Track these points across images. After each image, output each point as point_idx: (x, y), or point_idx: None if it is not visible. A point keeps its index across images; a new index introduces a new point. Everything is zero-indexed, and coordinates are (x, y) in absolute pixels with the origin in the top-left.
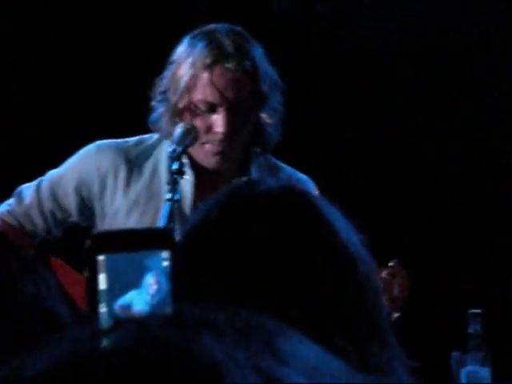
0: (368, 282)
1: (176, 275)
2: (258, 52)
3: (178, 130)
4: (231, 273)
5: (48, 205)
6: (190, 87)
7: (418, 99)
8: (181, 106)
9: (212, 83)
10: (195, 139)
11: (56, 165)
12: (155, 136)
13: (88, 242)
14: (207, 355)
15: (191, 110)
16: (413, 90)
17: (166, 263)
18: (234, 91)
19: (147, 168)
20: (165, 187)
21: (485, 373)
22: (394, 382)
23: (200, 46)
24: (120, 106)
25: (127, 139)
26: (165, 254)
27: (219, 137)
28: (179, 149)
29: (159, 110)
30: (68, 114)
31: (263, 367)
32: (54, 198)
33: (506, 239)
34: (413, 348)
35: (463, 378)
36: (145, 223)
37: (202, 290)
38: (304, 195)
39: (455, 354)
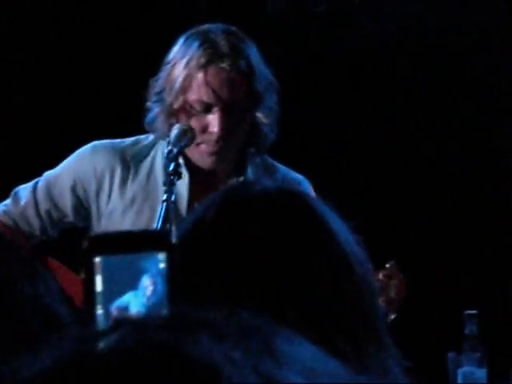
0: (364, 283)
1: (172, 277)
2: (252, 51)
3: (175, 130)
4: (227, 274)
5: (44, 205)
6: (184, 87)
7: (418, 99)
8: (176, 106)
9: (207, 83)
10: (192, 140)
11: (56, 165)
12: (151, 136)
13: (84, 244)
14: (205, 356)
15: (186, 110)
16: (413, 89)
17: (162, 265)
18: (229, 91)
19: (143, 168)
20: (161, 187)
21: (481, 373)
22: (391, 383)
23: (194, 46)
24: (119, 106)
25: (123, 139)
26: (161, 256)
27: (214, 137)
28: (175, 150)
29: (155, 111)
30: (68, 114)
31: (262, 368)
32: (51, 198)
33: (502, 240)
34: (409, 349)
35: (459, 378)
36: (140, 223)
37: (197, 291)
38: (300, 196)
39: (451, 355)
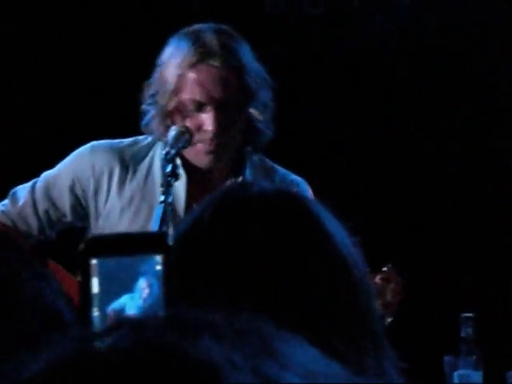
0: (361, 285)
1: (169, 278)
2: (244, 49)
3: (172, 132)
4: (225, 275)
5: (42, 205)
6: (177, 88)
7: (418, 99)
8: (170, 107)
9: (199, 82)
10: (189, 142)
11: (55, 165)
12: (150, 137)
13: (81, 246)
14: (204, 357)
15: (180, 110)
16: (413, 90)
17: (159, 267)
18: (222, 89)
19: (142, 169)
20: (158, 188)
21: (477, 376)
22: None
23: (185, 45)
24: (119, 107)
25: (122, 140)
26: (158, 258)
27: (209, 135)
28: (173, 151)
29: (150, 113)
30: (68, 114)
31: (261, 370)
32: (49, 197)
33: (500, 242)
34: (406, 351)
35: (456, 381)
36: (138, 224)
37: (195, 293)
38: (297, 197)
39: (448, 358)
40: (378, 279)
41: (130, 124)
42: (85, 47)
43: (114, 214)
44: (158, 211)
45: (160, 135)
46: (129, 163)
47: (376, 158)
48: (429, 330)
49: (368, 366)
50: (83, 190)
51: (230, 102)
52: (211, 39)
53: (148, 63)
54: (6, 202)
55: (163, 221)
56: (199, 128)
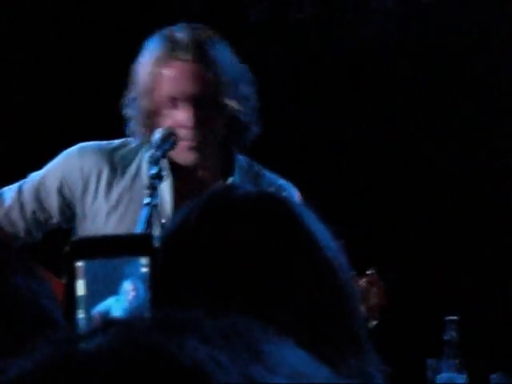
0: (346, 288)
1: (155, 280)
2: (217, 43)
3: (157, 134)
4: (210, 277)
5: (30, 206)
6: (153, 86)
7: (418, 99)
8: (149, 107)
9: (172, 78)
10: (175, 143)
11: None
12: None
13: (67, 248)
14: (191, 358)
15: (159, 109)
16: (413, 90)
17: (144, 269)
18: (195, 83)
19: (130, 171)
20: (146, 191)
21: (460, 379)
22: None
23: (157, 43)
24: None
25: (111, 141)
26: (144, 260)
27: (189, 132)
28: (158, 153)
29: (132, 117)
30: (67, 114)
31: (249, 372)
32: (36, 198)
33: (485, 246)
34: (389, 354)
35: None
36: (124, 226)
37: (181, 295)
38: (282, 201)
39: (431, 361)
40: (362, 283)
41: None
42: (85, 47)
43: (101, 216)
44: (143, 213)
45: (144, 138)
46: (117, 165)
47: (375, 158)
48: (412, 332)
49: (351, 369)
50: (71, 192)
51: (205, 96)
52: (182, 35)
53: None
54: None
55: (148, 223)
56: (179, 125)
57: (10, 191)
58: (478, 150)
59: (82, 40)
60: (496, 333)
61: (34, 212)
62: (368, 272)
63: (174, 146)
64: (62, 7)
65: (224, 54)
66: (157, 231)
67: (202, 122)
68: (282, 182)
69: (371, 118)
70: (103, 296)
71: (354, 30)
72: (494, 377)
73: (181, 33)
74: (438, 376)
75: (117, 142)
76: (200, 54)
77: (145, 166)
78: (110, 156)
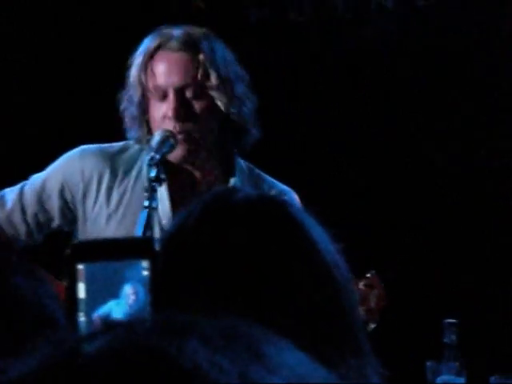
0: (344, 291)
1: (155, 283)
2: (212, 41)
3: (156, 137)
4: (209, 279)
5: (31, 208)
6: (143, 78)
7: (418, 99)
8: (140, 99)
9: (158, 67)
10: (173, 146)
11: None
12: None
13: (67, 251)
14: (191, 361)
15: (148, 101)
16: (413, 90)
17: (145, 272)
18: (180, 72)
19: (131, 174)
20: (146, 194)
21: (460, 382)
22: None
23: (149, 39)
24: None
25: (112, 144)
26: (144, 263)
27: (172, 122)
28: (157, 156)
29: (129, 116)
30: (67, 114)
31: (248, 373)
32: (38, 201)
33: (484, 249)
34: (388, 357)
35: None
36: (124, 229)
37: (180, 297)
38: (281, 204)
39: (430, 364)
40: (361, 285)
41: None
42: (85, 47)
43: (102, 219)
44: (143, 216)
45: (140, 136)
46: (119, 168)
47: (375, 159)
48: (412, 335)
49: (350, 370)
50: (72, 194)
51: (192, 88)
52: (175, 30)
53: None
54: None
55: (147, 226)
56: (164, 117)
57: (12, 193)
58: (478, 150)
59: (82, 40)
60: (495, 335)
61: (35, 214)
62: (368, 274)
63: (172, 149)
64: (62, 7)
65: (218, 52)
66: (156, 234)
67: (186, 114)
68: (282, 187)
69: (371, 119)
70: (104, 299)
71: (354, 31)
72: (493, 379)
73: (174, 28)
74: (438, 378)
75: (118, 144)
76: (189, 46)
77: (145, 169)
78: (112, 159)
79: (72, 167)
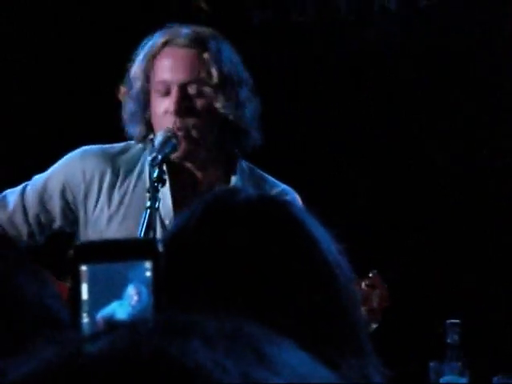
0: (346, 291)
1: (159, 284)
2: (219, 42)
3: (159, 138)
4: (210, 280)
5: (33, 210)
6: (147, 73)
7: (421, 100)
8: (143, 95)
9: (164, 62)
10: (176, 147)
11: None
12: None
13: (71, 252)
14: (193, 361)
15: (152, 97)
16: (415, 90)
17: (148, 273)
18: (185, 67)
19: (132, 174)
20: (147, 194)
21: (463, 382)
22: None
23: (155, 36)
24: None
25: (113, 145)
26: (148, 264)
27: (172, 118)
28: (159, 156)
29: (129, 111)
30: (67, 114)
31: (252, 375)
32: (39, 202)
33: (486, 249)
34: (392, 357)
35: None
36: (126, 230)
37: (182, 298)
38: (282, 204)
39: (433, 364)
40: (363, 285)
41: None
42: (85, 47)
43: (103, 220)
44: (145, 217)
45: (140, 135)
46: (120, 169)
47: (377, 159)
48: (414, 335)
49: (352, 370)
50: (73, 195)
51: (193, 83)
52: (181, 27)
53: None
54: None
55: (149, 226)
56: (165, 112)
57: (13, 194)
58: (480, 150)
59: (82, 40)
60: (498, 335)
61: (36, 215)
62: (370, 274)
63: (174, 150)
64: (62, 7)
65: (224, 52)
66: (159, 234)
67: (187, 110)
68: (283, 187)
69: (373, 120)
70: (107, 300)
71: (357, 33)
72: (496, 379)
73: (182, 27)
74: (441, 378)
75: (119, 145)
76: (196, 44)
77: (147, 169)
78: (113, 159)
79: (73, 168)
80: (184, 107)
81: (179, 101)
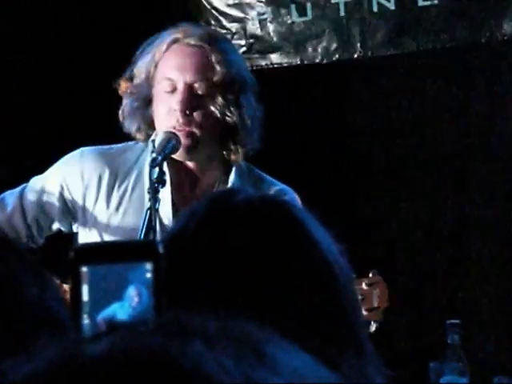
0: (346, 292)
1: (159, 286)
2: (229, 45)
3: (159, 138)
4: (210, 281)
5: (31, 211)
6: (155, 69)
7: (418, 100)
8: (148, 91)
9: (172, 59)
10: (176, 147)
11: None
12: (140, 143)
13: (71, 253)
14: (193, 362)
15: (156, 94)
16: (412, 90)
17: (149, 275)
18: (192, 66)
19: (131, 175)
20: (146, 195)
21: (463, 382)
22: None
23: (162, 34)
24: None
25: (112, 146)
26: (148, 266)
27: (177, 115)
28: (159, 157)
29: (129, 107)
30: (68, 114)
31: (254, 377)
32: (38, 203)
33: (485, 248)
34: (392, 357)
35: None
36: (125, 230)
37: (182, 299)
38: (282, 205)
39: (433, 364)
40: (364, 285)
41: None
42: (85, 47)
43: (102, 220)
44: (145, 218)
45: (140, 131)
46: (118, 169)
47: (377, 159)
48: (415, 336)
49: (352, 370)
50: (72, 196)
51: (200, 83)
52: (191, 26)
53: None
54: None
55: (149, 227)
56: (171, 109)
57: (12, 196)
58: (479, 149)
59: (82, 40)
60: (498, 335)
61: (35, 217)
62: (370, 274)
63: (175, 150)
64: (62, 7)
65: (232, 55)
66: (158, 235)
67: (192, 109)
68: (282, 186)
69: (374, 120)
70: (107, 302)
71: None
72: (496, 379)
73: (191, 26)
74: (441, 379)
75: (118, 146)
76: (206, 44)
77: (147, 169)
78: (111, 160)
79: (71, 169)
80: (189, 106)
81: (186, 99)
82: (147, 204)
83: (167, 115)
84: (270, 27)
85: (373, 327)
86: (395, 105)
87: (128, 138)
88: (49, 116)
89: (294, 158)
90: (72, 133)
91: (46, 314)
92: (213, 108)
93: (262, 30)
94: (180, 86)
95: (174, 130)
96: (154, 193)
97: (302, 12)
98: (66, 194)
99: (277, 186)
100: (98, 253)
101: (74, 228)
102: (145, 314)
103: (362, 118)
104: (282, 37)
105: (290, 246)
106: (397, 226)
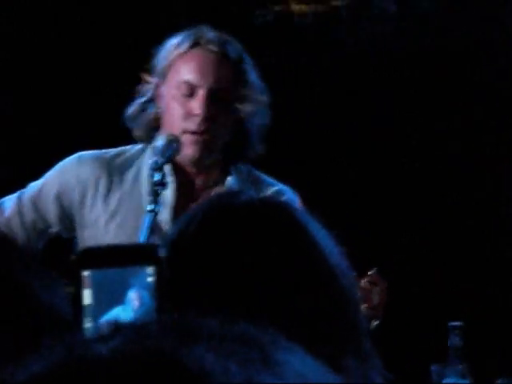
0: (347, 293)
1: (161, 289)
2: (243, 52)
3: (160, 141)
4: (211, 283)
5: (29, 216)
6: (173, 71)
7: (419, 100)
8: (165, 93)
9: (193, 63)
10: (178, 150)
11: (54, 166)
12: (137, 147)
13: (73, 257)
14: (199, 365)
15: (174, 96)
16: (413, 90)
17: (150, 279)
18: (215, 73)
19: (128, 178)
20: (145, 198)
21: None
22: None
23: (180, 36)
24: (119, 108)
25: (108, 150)
26: (149, 270)
27: (197, 120)
28: (161, 160)
29: (136, 106)
30: (68, 114)
31: (256, 378)
32: (35, 208)
33: (488, 251)
34: (393, 360)
35: None
36: (124, 233)
37: (184, 302)
38: (283, 206)
39: (435, 367)
40: (363, 283)
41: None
42: (85, 47)
43: (100, 224)
44: (146, 221)
45: (143, 133)
46: (115, 172)
47: (375, 159)
48: (416, 338)
49: (353, 372)
50: (69, 201)
51: (222, 90)
52: (209, 32)
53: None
54: None
55: (151, 230)
56: (188, 114)
57: (10, 201)
58: (479, 149)
59: (83, 40)
60: (500, 337)
61: (33, 221)
62: (369, 272)
63: (176, 153)
64: (62, 7)
65: (249, 64)
66: (159, 238)
67: (211, 114)
68: (281, 186)
69: (373, 120)
70: (110, 305)
71: (355, 33)
72: (498, 382)
73: (208, 30)
74: (443, 381)
75: (115, 150)
76: (226, 49)
77: (145, 172)
78: (108, 164)
79: (68, 174)
80: (208, 111)
81: (209, 105)
82: (145, 206)
83: (184, 118)
84: None
85: (374, 324)
86: (395, 103)
87: (128, 137)
88: (49, 116)
89: (293, 158)
90: (72, 133)
91: (54, 315)
92: (228, 115)
93: None
94: (201, 92)
95: (186, 134)
96: (154, 196)
97: None
98: (63, 199)
99: (275, 187)
100: (100, 257)
101: (73, 232)
102: (147, 317)
103: (362, 116)
104: None
105: (290, 248)
106: (397, 225)
